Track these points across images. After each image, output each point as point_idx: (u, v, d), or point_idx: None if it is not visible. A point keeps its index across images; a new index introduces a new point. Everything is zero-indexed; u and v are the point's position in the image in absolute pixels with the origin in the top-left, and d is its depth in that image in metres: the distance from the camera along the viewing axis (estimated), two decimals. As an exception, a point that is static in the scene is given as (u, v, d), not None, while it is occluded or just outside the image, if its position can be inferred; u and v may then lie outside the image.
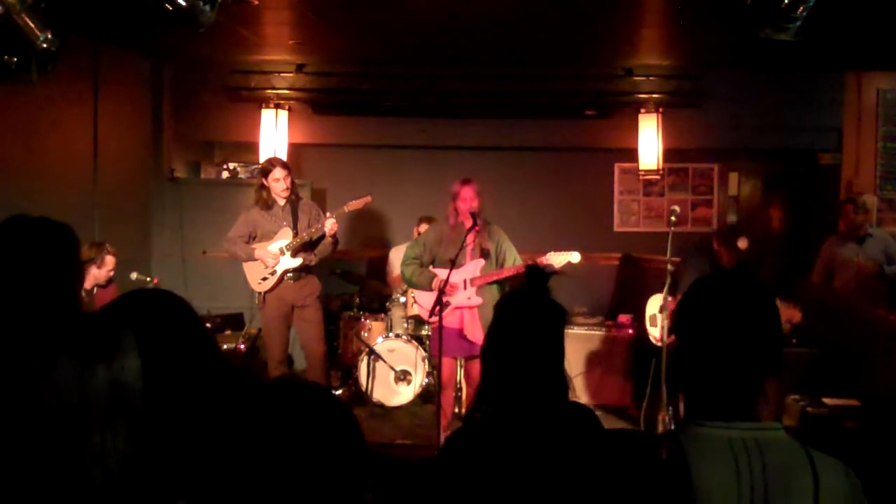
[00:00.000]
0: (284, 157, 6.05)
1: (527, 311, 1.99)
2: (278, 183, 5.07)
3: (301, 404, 1.16)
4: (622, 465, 1.44)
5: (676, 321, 1.48)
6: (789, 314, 4.70)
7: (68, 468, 1.18)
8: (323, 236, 5.09)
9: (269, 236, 5.12)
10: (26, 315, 1.80)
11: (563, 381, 1.90)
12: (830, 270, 5.60)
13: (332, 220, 5.02)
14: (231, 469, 1.11)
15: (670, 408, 4.91)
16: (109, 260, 4.80)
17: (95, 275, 4.76)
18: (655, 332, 5.23)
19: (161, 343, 1.53)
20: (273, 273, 5.08)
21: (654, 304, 5.32)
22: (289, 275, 5.11)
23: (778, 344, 1.42)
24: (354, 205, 5.11)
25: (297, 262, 5.09)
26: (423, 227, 5.77)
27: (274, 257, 5.05)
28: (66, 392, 1.21)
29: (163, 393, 1.44)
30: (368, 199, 5.14)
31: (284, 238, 5.10)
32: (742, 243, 5.02)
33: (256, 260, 5.07)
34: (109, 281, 4.89)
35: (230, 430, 1.14)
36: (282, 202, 5.16)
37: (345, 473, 1.12)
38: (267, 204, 5.12)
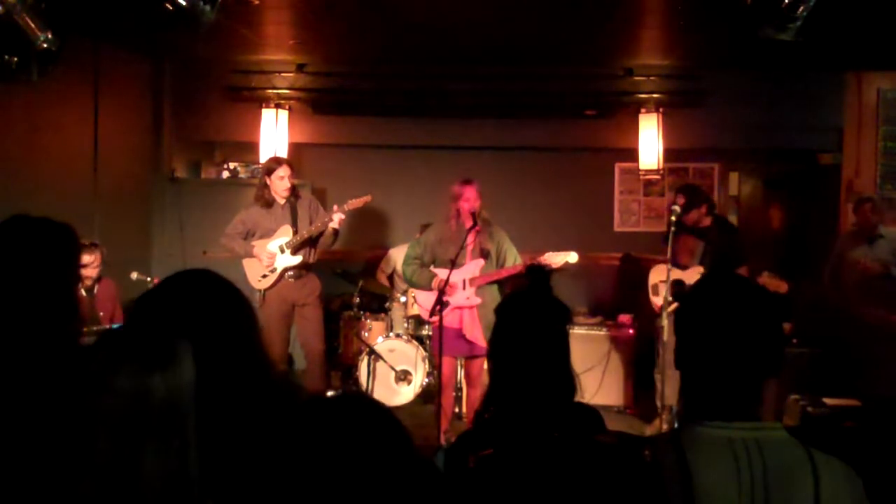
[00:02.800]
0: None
1: (531, 310, 1.99)
2: (282, 181, 5.10)
3: (357, 419, 1.11)
4: (622, 469, 1.43)
5: (677, 321, 1.48)
6: (776, 285, 4.64)
7: (115, 480, 1.13)
8: (322, 232, 5.11)
9: (269, 235, 5.14)
10: (26, 315, 1.80)
11: (570, 380, 1.90)
12: (838, 268, 5.60)
13: (341, 215, 5.04)
14: (284, 482, 1.06)
15: (672, 407, 4.91)
16: (87, 259, 4.63)
17: (90, 274, 4.72)
18: (658, 301, 5.18)
19: (207, 328, 1.47)
20: (273, 271, 5.09)
21: (657, 274, 5.30)
22: (289, 273, 5.13)
23: (778, 344, 1.43)
24: (354, 203, 5.14)
25: (298, 259, 5.11)
26: None
27: (269, 256, 5.06)
28: (122, 403, 1.15)
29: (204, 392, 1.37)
30: (368, 198, 5.18)
31: (284, 236, 5.12)
32: (679, 200, 5.00)
33: (254, 257, 5.09)
34: (100, 277, 4.83)
35: (287, 443, 1.09)
36: (281, 201, 5.19)
37: (400, 486, 1.09)
38: (267, 202, 5.16)
